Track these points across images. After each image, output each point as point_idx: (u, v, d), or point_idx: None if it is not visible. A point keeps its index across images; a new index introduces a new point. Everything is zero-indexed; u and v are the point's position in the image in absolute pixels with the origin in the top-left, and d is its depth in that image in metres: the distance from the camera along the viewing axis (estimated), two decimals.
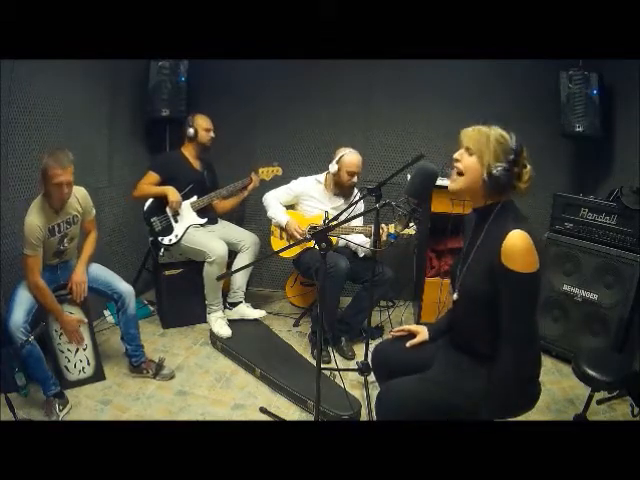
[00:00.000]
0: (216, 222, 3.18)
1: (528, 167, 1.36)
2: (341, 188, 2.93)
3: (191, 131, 2.96)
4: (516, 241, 1.26)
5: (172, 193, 2.90)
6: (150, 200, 2.97)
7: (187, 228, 2.97)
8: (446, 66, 3.21)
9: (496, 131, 1.35)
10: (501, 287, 1.31)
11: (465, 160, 1.37)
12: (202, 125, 2.97)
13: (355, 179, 2.88)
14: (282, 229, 2.95)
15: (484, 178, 1.34)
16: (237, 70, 3.44)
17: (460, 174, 1.39)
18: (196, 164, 3.06)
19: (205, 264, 2.89)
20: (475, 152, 1.35)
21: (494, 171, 1.32)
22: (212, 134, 3.01)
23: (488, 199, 1.39)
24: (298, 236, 2.83)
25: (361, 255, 2.91)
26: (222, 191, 3.09)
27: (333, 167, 2.89)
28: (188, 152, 3.04)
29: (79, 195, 2.32)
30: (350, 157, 2.85)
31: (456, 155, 1.40)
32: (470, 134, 1.38)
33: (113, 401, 2.30)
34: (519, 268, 1.26)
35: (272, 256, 3.35)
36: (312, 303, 3.35)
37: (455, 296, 1.50)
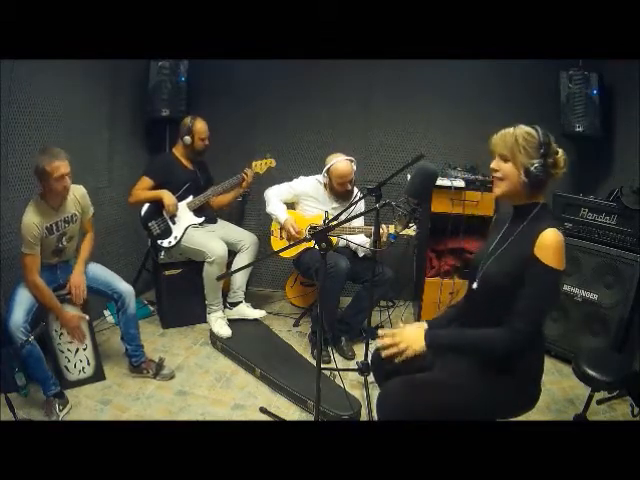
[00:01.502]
0: (215, 222, 3.18)
1: (560, 152, 1.39)
2: (337, 194, 2.89)
3: (188, 139, 2.92)
4: (552, 237, 1.31)
5: (167, 197, 2.88)
6: (146, 205, 2.95)
7: (186, 229, 2.97)
8: (446, 66, 3.21)
9: (521, 130, 1.37)
10: (527, 278, 1.33)
11: (502, 167, 1.40)
12: (200, 133, 2.94)
13: (349, 186, 2.82)
14: (280, 225, 2.93)
15: (523, 179, 1.36)
16: (237, 70, 3.44)
17: (501, 179, 1.42)
18: (188, 164, 3.04)
19: (205, 264, 2.89)
20: (509, 157, 1.38)
21: (531, 169, 1.34)
22: (207, 142, 2.99)
23: (529, 198, 1.42)
24: (294, 232, 2.81)
25: (361, 255, 2.90)
26: (217, 188, 3.07)
27: (324, 178, 2.86)
28: (180, 153, 3.02)
29: (78, 194, 2.32)
30: (337, 167, 2.77)
31: (493, 165, 1.43)
32: (498, 141, 1.40)
33: (113, 401, 2.30)
34: (549, 262, 1.30)
35: (272, 256, 3.35)
36: (312, 303, 3.34)
37: (475, 285, 1.50)
